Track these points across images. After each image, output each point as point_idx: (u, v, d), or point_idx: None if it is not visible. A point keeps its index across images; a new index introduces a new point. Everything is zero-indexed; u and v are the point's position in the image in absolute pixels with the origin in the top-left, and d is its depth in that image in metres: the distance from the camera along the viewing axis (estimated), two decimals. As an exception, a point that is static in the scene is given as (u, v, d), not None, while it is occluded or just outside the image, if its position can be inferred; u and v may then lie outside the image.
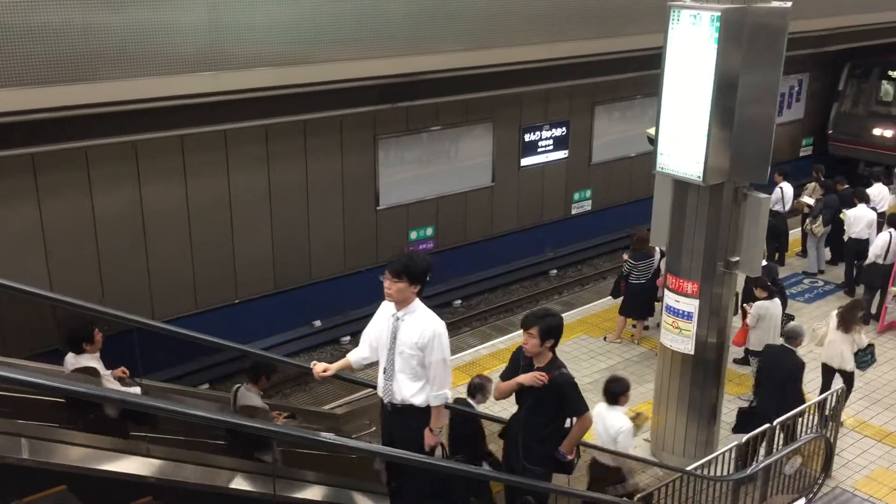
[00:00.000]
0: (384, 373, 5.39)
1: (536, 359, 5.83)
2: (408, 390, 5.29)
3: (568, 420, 5.92)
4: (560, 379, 5.77)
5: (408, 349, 5.25)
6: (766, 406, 8.60)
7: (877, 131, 21.23)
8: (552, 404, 5.81)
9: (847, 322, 9.65)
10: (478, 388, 7.84)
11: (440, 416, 5.36)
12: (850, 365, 9.70)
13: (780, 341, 10.64)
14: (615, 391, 7.62)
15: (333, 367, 5.59)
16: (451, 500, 5.73)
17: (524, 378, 5.77)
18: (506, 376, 6.02)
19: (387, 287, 5.24)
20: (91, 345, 6.45)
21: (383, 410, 5.52)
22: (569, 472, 6.10)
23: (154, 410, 4.58)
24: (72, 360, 6.41)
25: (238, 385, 6.82)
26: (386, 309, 5.43)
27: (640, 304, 11.99)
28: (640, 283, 11.83)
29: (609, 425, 7.52)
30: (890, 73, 21.35)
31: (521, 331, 12.49)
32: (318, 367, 5.55)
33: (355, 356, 5.63)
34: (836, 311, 9.98)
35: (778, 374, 8.80)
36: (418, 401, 5.29)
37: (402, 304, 5.29)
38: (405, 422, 5.38)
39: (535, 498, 5.87)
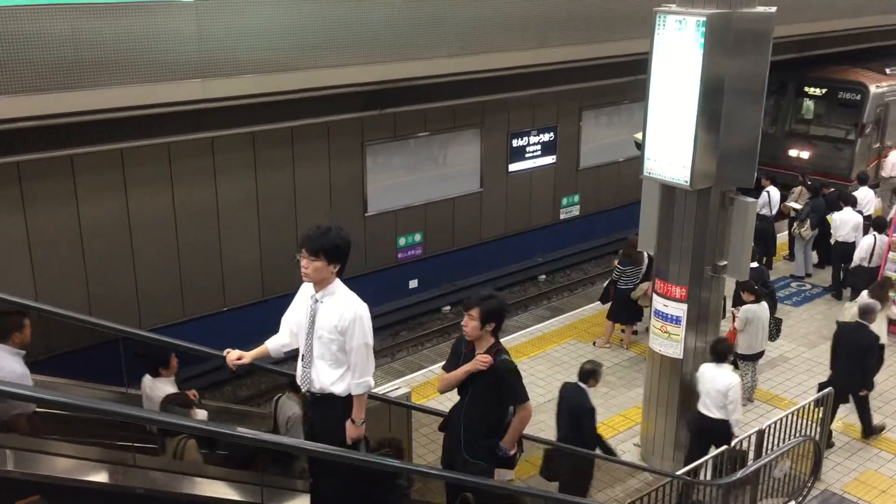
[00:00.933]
0: (302, 359, 5.01)
1: (478, 344, 5.53)
2: (327, 378, 4.91)
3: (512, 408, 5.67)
4: (501, 365, 5.46)
5: (327, 333, 4.87)
6: (843, 379, 9.08)
7: (793, 153, 19.76)
8: (494, 393, 5.54)
9: (880, 297, 10.07)
10: (590, 373, 8.15)
11: (363, 405, 4.95)
12: (884, 338, 10.04)
13: (767, 345, 10.73)
14: (722, 350, 8.45)
15: (249, 356, 5.18)
16: (380, 500, 5.28)
17: (469, 365, 5.52)
18: (448, 367, 5.76)
19: (303, 266, 4.85)
20: (167, 370, 6.54)
21: (304, 400, 5.18)
22: (511, 467, 5.80)
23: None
24: (148, 383, 6.49)
25: (279, 395, 6.78)
26: (306, 291, 5.04)
27: (627, 309, 12.01)
28: (628, 288, 11.87)
29: (719, 381, 8.29)
30: (806, 89, 20.03)
31: (509, 336, 12.53)
32: (232, 355, 5.14)
33: (274, 343, 5.24)
34: (865, 292, 10.46)
35: (853, 349, 9.21)
36: (339, 389, 4.90)
37: (320, 284, 4.90)
38: (325, 412, 4.99)
39: (476, 494, 5.53)
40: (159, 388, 6.42)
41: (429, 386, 11.10)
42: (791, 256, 15.04)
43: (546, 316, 13.63)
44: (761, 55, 7.57)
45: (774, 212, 14.61)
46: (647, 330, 9.81)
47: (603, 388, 11.08)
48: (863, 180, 15.55)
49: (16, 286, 10.76)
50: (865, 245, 12.51)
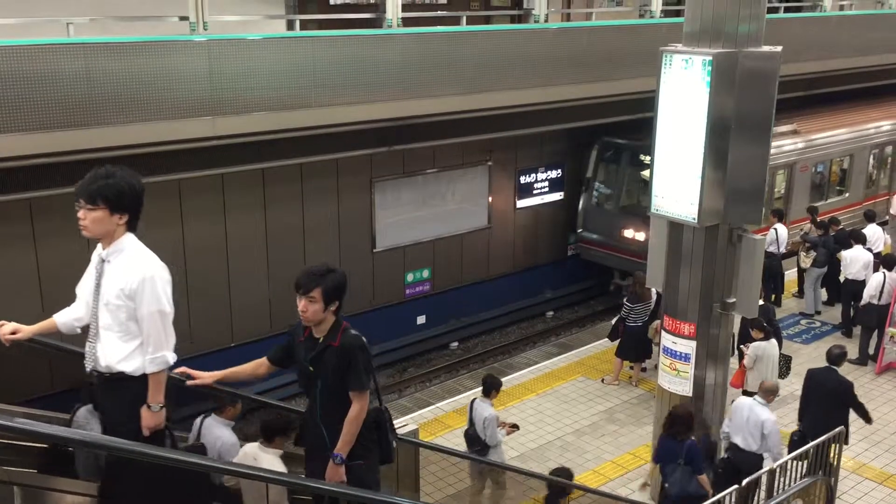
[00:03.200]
0: (89, 332, 4.26)
1: (317, 328, 4.71)
2: (115, 354, 4.12)
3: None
4: (351, 341, 4.60)
5: (113, 299, 4.11)
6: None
7: (628, 232, 16.28)
8: (346, 376, 4.61)
9: None
10: (840, 356, 9.05)
11: (160, 386, 4.15)
12: None
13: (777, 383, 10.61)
14: None
15: (28, 330, 4.48)
16: None
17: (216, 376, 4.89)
18: (274, 354, 5.01)
19: (80, 217, 4.15)
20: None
21: (93, 383, 4.38)
22: (389, 461, 5.00)
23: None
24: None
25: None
26: (97, 251, 4.33)
27: (636, 346, 11.97)
28: (636, 325, 11.84)
29: None
30: (641, 157, 16.10)
31: (517, 373, 12.41)
32: (6, 329, 4.43)
33: (65, 316, 4.50)
34: None
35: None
36: (130, 367, 4.12)
37: (106, 240, 4.19)
38: (116, 397, 4.18)
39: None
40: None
41: (437, 423, 11.04)
42: (801, 294, 14.99)
43: (554, 352, 13.59)
44: (767, 94, 7.62)
45: (782, 249, 14.59)
46: (656, 367, 9.77)
47: (612, 425, 11.03)
48: (871, 217, 15.52)
49: (26, 322, 10.79)
50: (875, 283, 12.45)
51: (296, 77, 10.91)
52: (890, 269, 12.45)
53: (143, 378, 4.14)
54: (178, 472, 4.02)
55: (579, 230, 17.41)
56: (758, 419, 8.43)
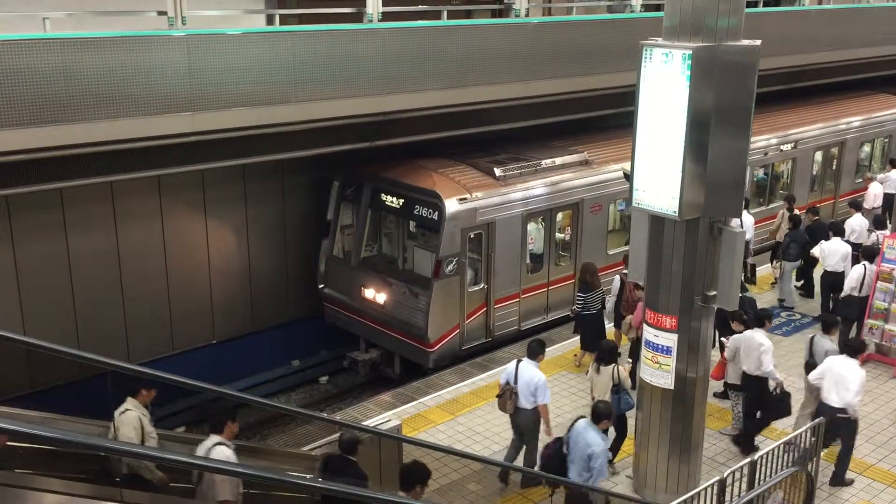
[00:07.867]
0: None
1: None
2: None
3: None
4: None
5: None
6: None
7: (368, 293, 13.35)
8: None
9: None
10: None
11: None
12: None
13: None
14: None
15: None
16: None
17: None
18: None
19: None
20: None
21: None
22: None
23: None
24: None
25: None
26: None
27: (592, 336, 11.94)
28: (591, 314, 11.87)
29: None
30: (383, 196, 13.46)
31: (498, 368, 12.47)
32: None
33: None
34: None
35: None
36: None
37: None
38: None
39: None
40: None
41: (420, 418, 11.04)
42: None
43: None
44: (747, 87, 7.66)
45: (749, 236, 14.56)
46: (637, 360, 9.79)
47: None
48: (856, 206, 15.57)
49: (3, 320, 10.70)
50: (855, 275, 12.47)
51: (276, 72, 10.85)
52: (871, 261, 12.51)
53: None
54: None
55: (321, 286, 14.09)
56: None
